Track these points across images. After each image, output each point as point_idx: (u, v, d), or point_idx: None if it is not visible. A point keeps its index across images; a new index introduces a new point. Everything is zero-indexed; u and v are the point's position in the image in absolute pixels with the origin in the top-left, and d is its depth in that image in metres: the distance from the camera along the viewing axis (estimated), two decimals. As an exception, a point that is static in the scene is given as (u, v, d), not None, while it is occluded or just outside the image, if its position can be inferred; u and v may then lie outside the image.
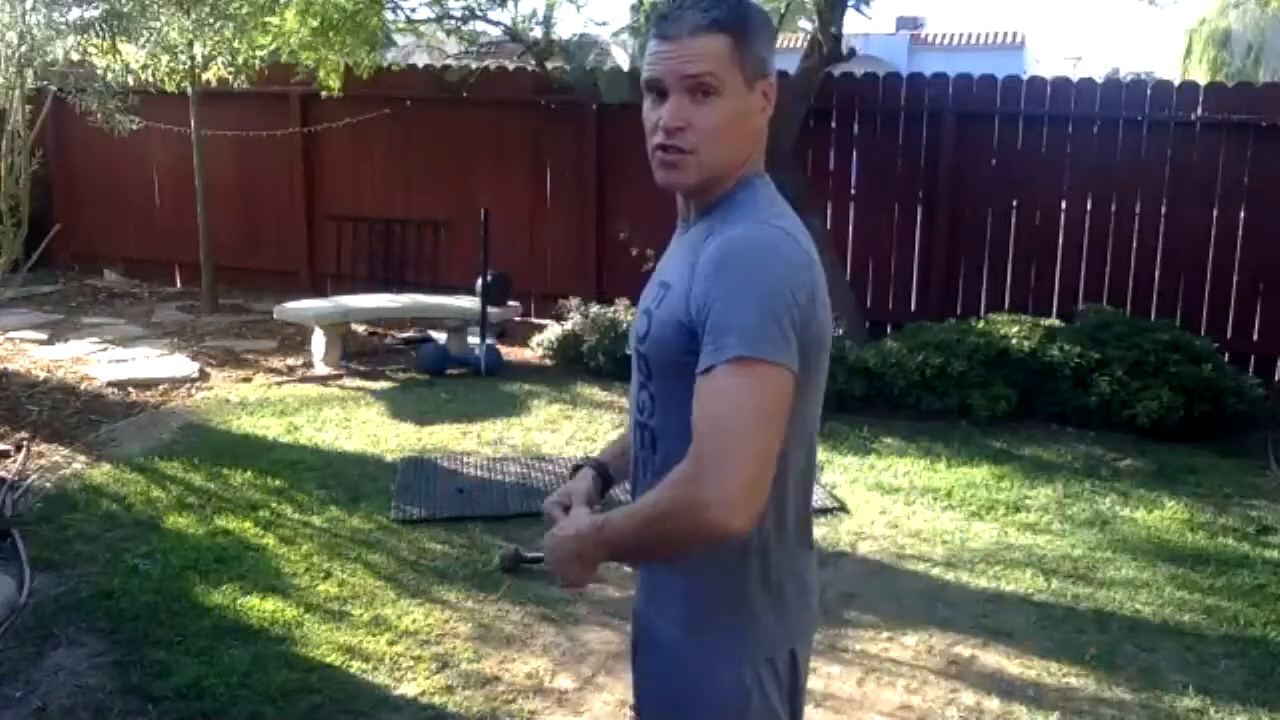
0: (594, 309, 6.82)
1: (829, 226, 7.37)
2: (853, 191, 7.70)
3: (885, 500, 4.81)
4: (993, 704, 3.19)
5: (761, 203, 1.46)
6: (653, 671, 1.60)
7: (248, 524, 4.29)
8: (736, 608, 1.51)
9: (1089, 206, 7.18)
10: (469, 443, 5.48)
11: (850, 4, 6.39)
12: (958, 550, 4.29)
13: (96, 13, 6.65)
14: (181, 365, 6.69)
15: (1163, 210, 7.02)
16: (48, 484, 4.68)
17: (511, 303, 7.40)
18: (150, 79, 7.67)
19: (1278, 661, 3.48)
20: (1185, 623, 3.73)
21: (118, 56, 7.18)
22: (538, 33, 7.34)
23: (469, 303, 7.16)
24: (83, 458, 5.03)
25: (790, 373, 1.33)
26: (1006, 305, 7.13)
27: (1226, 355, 6.48)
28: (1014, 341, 6.04)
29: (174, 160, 8.86)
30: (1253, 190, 6.78)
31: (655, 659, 1.59)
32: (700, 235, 1.47)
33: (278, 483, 4.77)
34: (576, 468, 1.75)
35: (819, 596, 1.66)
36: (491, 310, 6.97)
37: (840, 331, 6.47)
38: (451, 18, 7.40)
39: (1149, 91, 7.08)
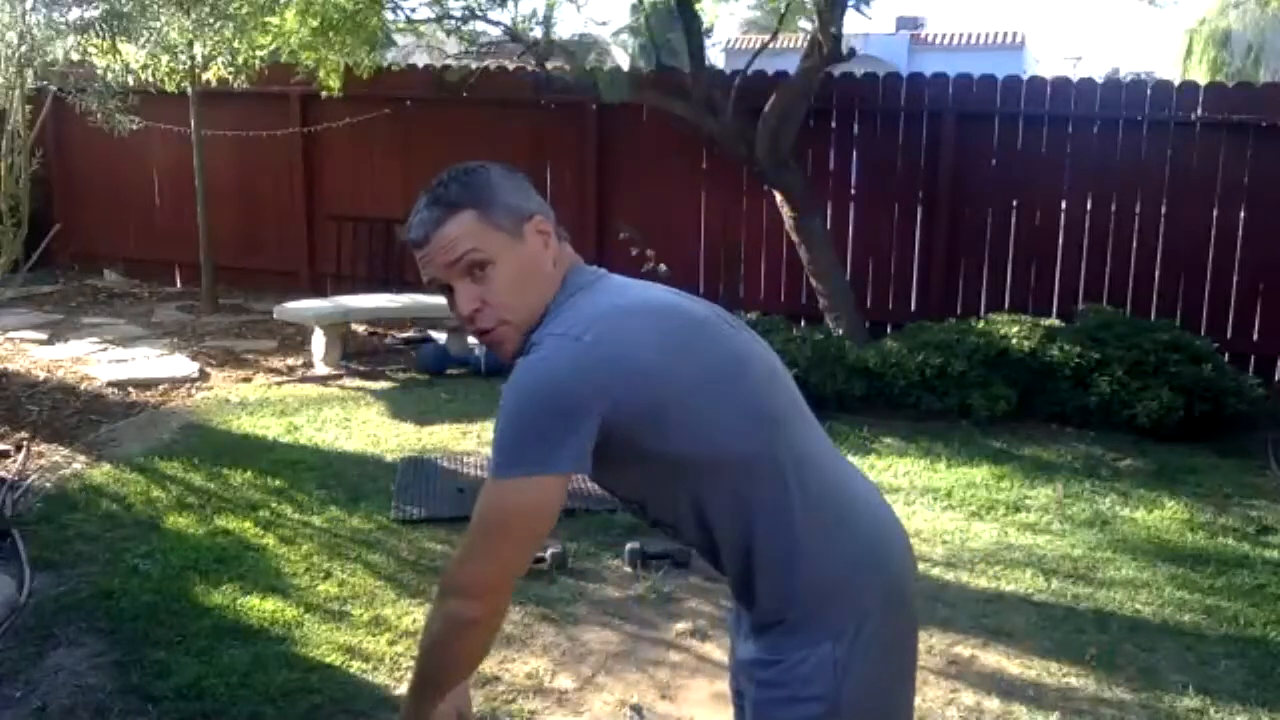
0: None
1: (829, 226, 7.37)
2: (853, 191, 7.70)
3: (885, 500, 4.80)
4: (993, 704, 3.19)
5: (547, 321, 1.50)
6: (753, 697, 1.61)
7: (248, 524, 4.29)
8: (798, 600, 1.53)
9: (1089, 206, 7.18)
10: (469, 443, 5.48)
11: (850, 4, 6.38)
12: (958, 550, 4.29)
13: (96, 13, 6.64)
14: (181, 365, 6.69)
15: (1163, 210, 7.02)
16: (48, 484, 4.68)
17: (511, 302, 7.39)
18: (150, 79, 7.67)
19: (1278, 661, 3.48)
20: (1185, 623, 3.73)
21: (118, 56, 7.18)
22: (538, 33, 7.33)
23: (469, 303, 7.15)
24: (83, 458, 5.03)
25: (539, 475, 1.43)
26: (1006, 305, 7.13)
27: (1226, 355, 6.47)
28: (1014, 341, 6.03)
29: (174, 160, 8.86)
30: (1253, 190, 6.78)
31: (750, 685, 1.61)
32: None
33: (278, 483, 4.77)
34: None
35: (893, 558, 1.64)
36: (491, 310, 6.96)
37: (840, 331, 6.48)
38: (451, 18, 7.40)
39: (1149, 91, 7.08)
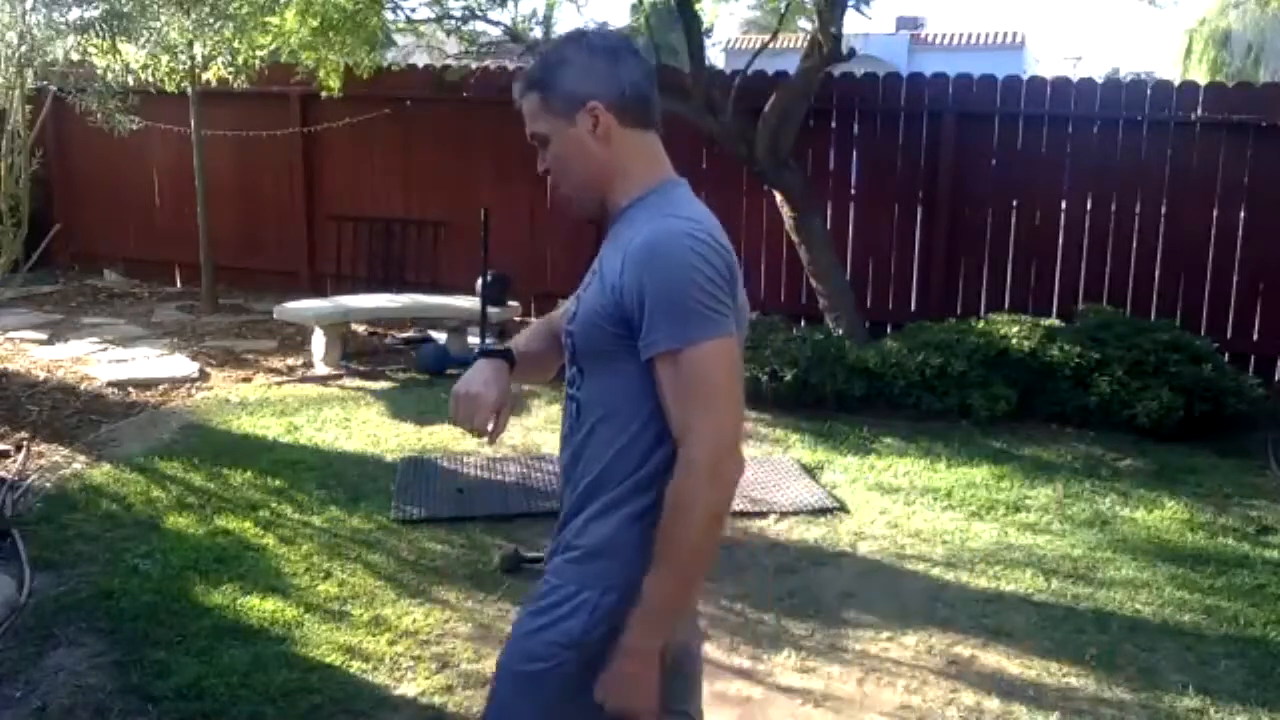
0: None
1: (829, 226, 7.37)
2: (853, 191, 7.71)
3: (885, 500, 4.81)
4: (993, 704, 3.19)
5: (670, 202, 1.65)
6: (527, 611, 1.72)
7: (248, 524, 4.29)
8: (622, 544, 1.62)
9: (1089, 206, 7.18)
10: (469, 443, 5.47)
11: (850, 4, 6.38)
12: (958, 550, 4.29)
13: (96, 13, 6.64)
14: (181, 365, 6.69)
15: (1163, 210, 7.02)
16: (48, 484, 4.68)
17: (511, 303, 7.40)
18: (150, 79, 7.68)
19: (1278, 661, 3.48)
20: (1185, 623, 3.73)
21: (118, 56, 7.18)
22: (538, 33, 7.33)
23: (469, 303, 7.16)
24: (83, 458, 5.03)
25: (732, 335, 1.56)
26: (1006, 305, 7.13)
27: (1226, 355, 6.48)
28: (1014, 341, 6.03)
29: (174, 160, 8.87)
30: (1253, 190, 6.78)
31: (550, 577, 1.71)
32: (623, 232, 1.65)
33: (278, 483, 4.77)
34: (486, 354, 1.84)
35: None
36: (491, 310, 6.97)
37: (840, 331, 6.48)
38: (451, 18, 7.39)
39: (1149, 91, 7.08)
